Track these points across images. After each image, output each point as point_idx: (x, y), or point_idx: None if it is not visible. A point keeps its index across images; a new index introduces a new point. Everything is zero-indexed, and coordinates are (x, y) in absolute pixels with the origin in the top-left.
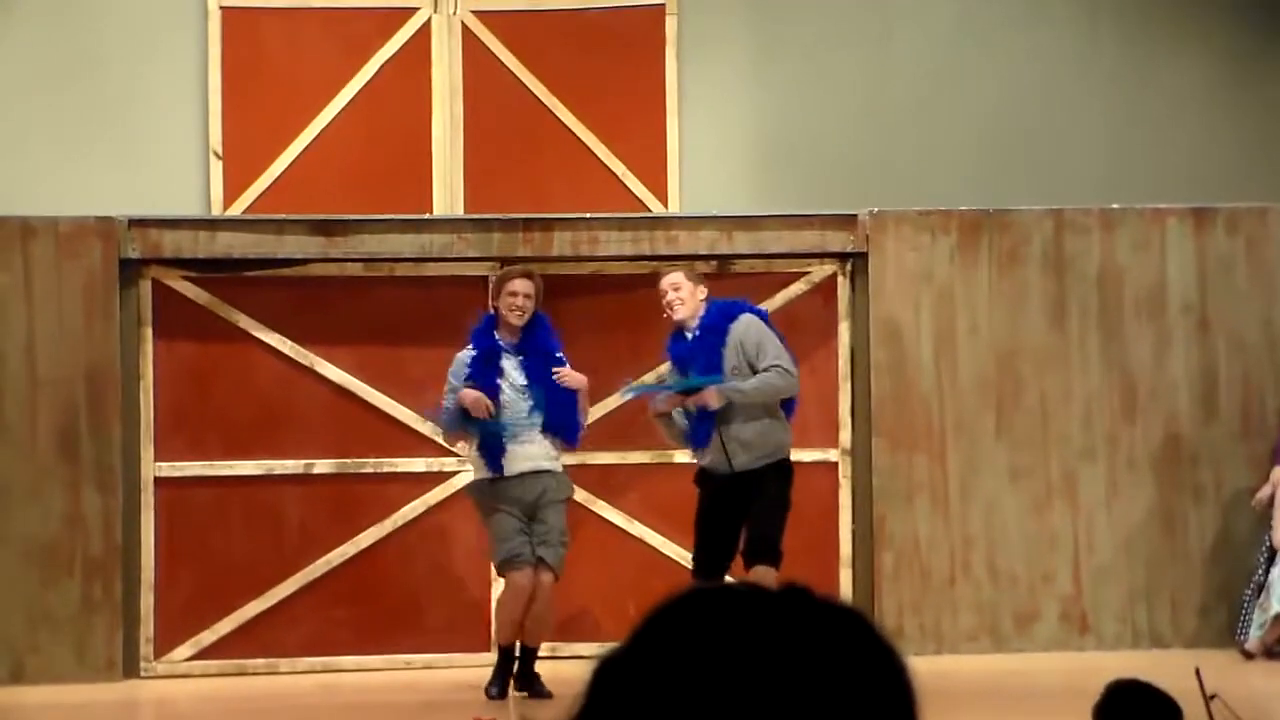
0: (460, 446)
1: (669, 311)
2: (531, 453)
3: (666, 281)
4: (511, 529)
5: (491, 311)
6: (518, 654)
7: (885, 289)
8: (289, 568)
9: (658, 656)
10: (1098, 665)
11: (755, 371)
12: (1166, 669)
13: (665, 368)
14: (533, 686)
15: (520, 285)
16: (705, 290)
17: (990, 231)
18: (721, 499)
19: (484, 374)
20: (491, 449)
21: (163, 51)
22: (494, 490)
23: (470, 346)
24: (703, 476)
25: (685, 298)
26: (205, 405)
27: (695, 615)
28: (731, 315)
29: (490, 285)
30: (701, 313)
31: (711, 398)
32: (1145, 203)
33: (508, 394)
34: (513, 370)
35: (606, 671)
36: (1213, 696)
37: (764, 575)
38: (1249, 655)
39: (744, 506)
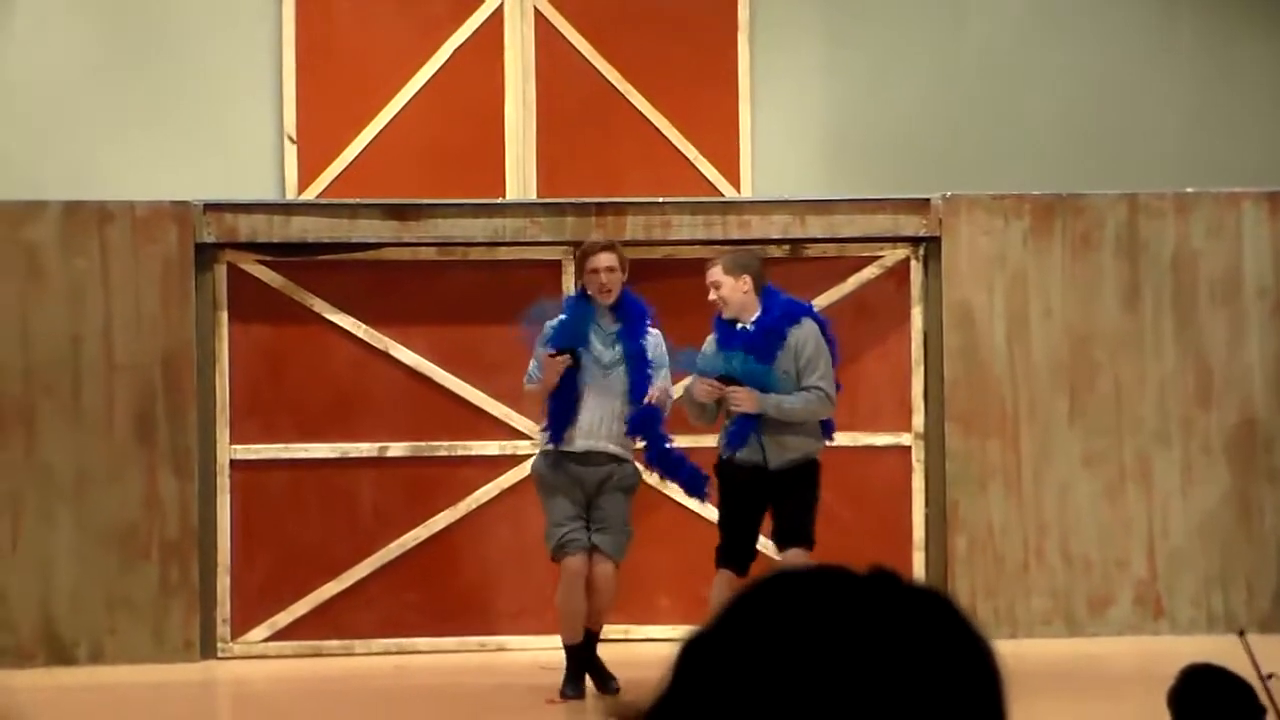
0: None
1: (719, 308)
2: (604, 432)
3: (708, 279)
4: (566, 513)
5: (581, 289)
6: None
7: (958, 273)
8: (363, 550)
9: (745, 637)
10: (1172, 650)
11: (799, 380)
12: (1241, 654)
13: (708, 345)
14: (599, 679)
15: (604, 259)
16: (749, 280)
17: (1064, 215)
18: (749, 492)
19: (569, 341)
20: (558, 415)
21: (237, 36)
22: (556, 467)
23: (562, 314)
24: (727, 468)
25: (727, 295)
26: (280, 389)
27: (783, 596)
28: (794, 318)
29: (574, 263)
30: (758, 304)
31: (748, 402)
32: (1221, 186)
33: (590, 369)
34: (598, 344)
35: (693, 651)
36: (1269, 676)
37: (796, 558)
38: None
39: (769, 500)
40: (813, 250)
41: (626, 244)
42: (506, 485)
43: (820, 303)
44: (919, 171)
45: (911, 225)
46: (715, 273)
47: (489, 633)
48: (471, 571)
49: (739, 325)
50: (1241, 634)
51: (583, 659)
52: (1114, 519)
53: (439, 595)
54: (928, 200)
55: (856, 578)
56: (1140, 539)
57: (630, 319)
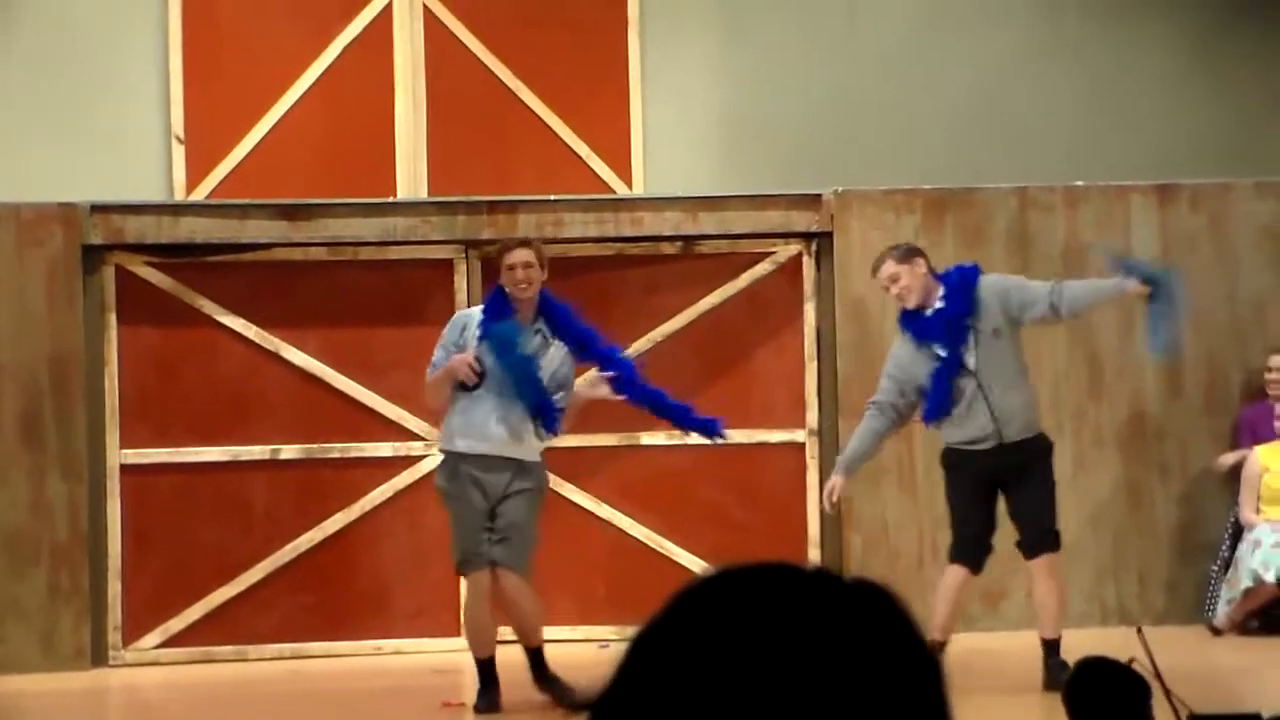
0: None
1: (901, 304)
2: (507, 436)
3: (884, 275)
4: (470, 523)
5: (498, 287)
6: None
7: (851, 268)
8: (256, 554)
9: (689, 633)
10: (1066, 644)
11: (1018, 323)
12: (1135, 646)
13: (900, 350)
14: (554, 687)
15: (520, 255)
16: (923, 262)
17: (954, 210)
18: (985, 475)
19: (504, 339)
20: (453, 418)
21: (123, 35)
22: (455, 475)
23: (481, 310)
24: (955, 456)
25: (910, 284)
26: (170, 392)
27: (728, 592)
28: (971, 277)
29: (494, 261)
30: (938, 287)
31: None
32: (1111, 180)
33: (497, 371)
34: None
35: (640, 646)
36: (1131, 660)
37: (1051, 564)
38: (1217, 631)
39: (1003, 482)
40: (705, 247)
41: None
42: (400, 486)
43: (713, 300)
44: (811, 167)
45: (804, 221)
46: (888, 267)
47: (384, 636)
48: (366, 574)
49: (926, 312)
50: (1139, 630)
51: (496, 680)
52: (1007, 512)
53: (333, 599)
54: (819, 196)
55: (800, 574)
56: None
57: (554, 321)
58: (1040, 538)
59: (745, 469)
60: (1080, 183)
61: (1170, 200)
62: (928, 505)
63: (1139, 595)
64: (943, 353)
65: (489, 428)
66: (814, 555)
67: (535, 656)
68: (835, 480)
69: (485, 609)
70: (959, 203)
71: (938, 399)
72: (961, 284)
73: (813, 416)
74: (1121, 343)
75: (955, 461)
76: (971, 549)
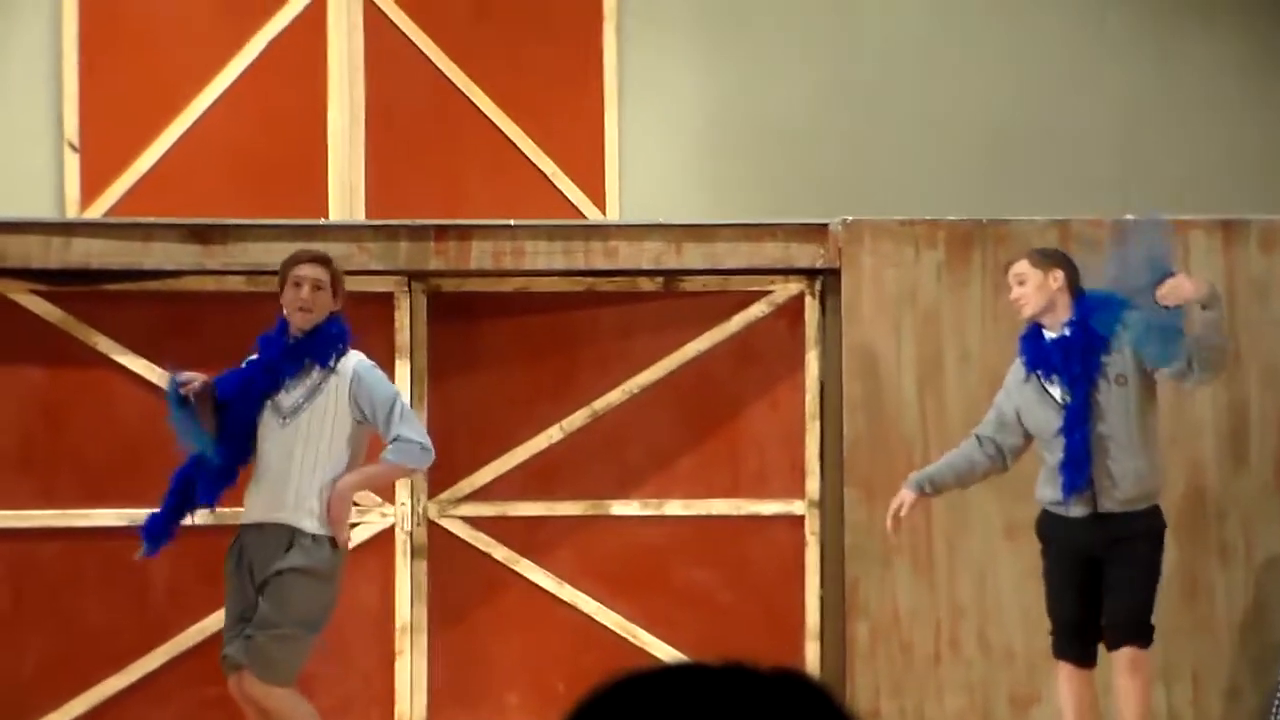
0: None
1: (1017, 309)
2: (279, 499)
3: (1011, 274)
4: (229, 613)
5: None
6: None
7: (861, 312)
8: (154, 637)
9: None
10: None
11: (1151, 376)
12: None
13: (1013, 373)
14: None
15: (307, 270)
16: (1062, 276)
17: (984, 244)
18: (1080, 549)
19: (255, 384)
20: (217, 476)
21: (7, 22)
22: (230, 548)
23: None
24: (1048, 524)
25: (1030, 292)
26: (57, 443)
27: (634, 702)
28: (1114, 312)
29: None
30: (1071, 308)
31: (1187, 284)
32: (1166, 213)
33: (268, 421)
34: (293, 389)
35: None
36: None
37: (1136, 660)
38: None
39: (1101, 557)
40: (690, 284)
41: (471, 274)
42: None
43: (698, 346)
44: (816, 192)
45: (806, 255)
46: (1023, 268)
47: None
48: None
49: (1047, 335)
50: None
51: None
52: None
53: None
54: (825, 226)
55: (709, 673)
56: None
57: (320, 345)
58: (1127, 626)
59: (734, 546)
60: (1131, 216)
61: (1237, 237)
62: (946, 591)
63: (1193, 702)
64: (1055, 392)
65: (261, 489)
66: (811, 649)
67: None
68: (904, 495)
69: None
70: (989, 236)
71: (1071, 467)
72: (1101, 311)
73: (814, 485)
74: (1176, 402)
75: (1048, 531)
76: (1070, 640)
